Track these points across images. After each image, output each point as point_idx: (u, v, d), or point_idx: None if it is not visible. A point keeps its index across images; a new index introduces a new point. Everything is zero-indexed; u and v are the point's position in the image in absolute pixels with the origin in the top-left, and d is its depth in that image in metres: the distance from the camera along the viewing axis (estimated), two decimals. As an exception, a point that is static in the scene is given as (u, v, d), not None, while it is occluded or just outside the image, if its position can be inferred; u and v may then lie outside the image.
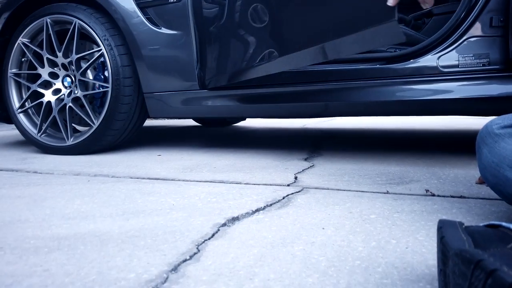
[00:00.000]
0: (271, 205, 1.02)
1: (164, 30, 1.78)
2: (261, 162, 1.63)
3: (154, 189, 1.22)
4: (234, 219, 0.91)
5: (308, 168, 1.50)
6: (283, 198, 1.08)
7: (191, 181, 1.32)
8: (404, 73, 1.56)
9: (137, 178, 1.40)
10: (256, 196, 1.10)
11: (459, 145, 2.09)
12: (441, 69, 1.50)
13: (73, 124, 2.11)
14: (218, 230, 0.84)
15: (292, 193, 1.13)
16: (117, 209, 1.02)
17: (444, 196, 1.08)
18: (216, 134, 2.77)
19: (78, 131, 2.08)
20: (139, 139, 2.51)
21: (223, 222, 0.89)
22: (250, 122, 3.71)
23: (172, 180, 1.35)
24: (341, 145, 2.10)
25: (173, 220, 0.91)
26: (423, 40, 1.63)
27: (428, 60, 1.52)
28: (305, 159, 1.69)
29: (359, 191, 1.15)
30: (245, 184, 1.26)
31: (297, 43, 1.48)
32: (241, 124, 3.60)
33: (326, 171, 1.44)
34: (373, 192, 1.13)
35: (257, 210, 0.97)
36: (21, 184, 1.33)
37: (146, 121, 4.07)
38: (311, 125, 3.32)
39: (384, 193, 1.12)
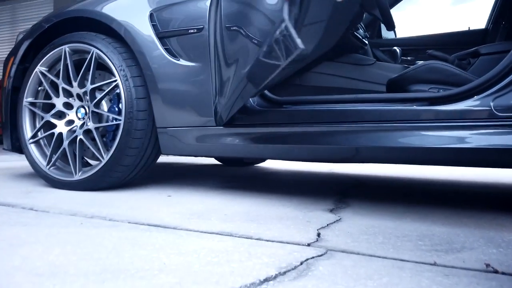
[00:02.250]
0: (284, 273, 0.81)
1: (182, 62, 1.66)
2: (279, 211, 1.42)
3: (149, 240, 1.03)
4: (235, 292, 0.70)
5: (334, 222, 1.28)
6: (301, 263, 0.87)
7: (194, 231, 1.13)
8: (450, 116, 1.35)
9: (136, 223, 1.22)
10: (267, 259, 0.89)
11: None
12: (496, 112, 1.28)
13: (86, 158, 2.00)
14: (210, 309, 0.64)
15: (313, 257, 0.91)
16: (96, 265, 0.83)
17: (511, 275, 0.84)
18: (235, 175, 2.59)
19: (90, 165, 1.95)
20: (152, 175, 2.36)
21: (219, 296, 0.68)
22: (272, 163, 3.52)
23: (173, 228, 1.16)
24: (373, 195, 1.86)
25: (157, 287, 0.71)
26: (472, 80, 1.42)
27: (480, 103, 1.31)
28: (331, 210, 1.47)
29: (399, 259, 0.92)
30: (256, 239, 1.05)
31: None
32: (263, 164, 3.41)
33: (355, 227, 1.22)
34: (417, 263, 0.89)
35: (266, 281, 0.76)
36: (8, 223, 1.18)
37: (165, 157, 3.97)
38: (338, 170, 3.09)
39: (431, 264, 0.89)
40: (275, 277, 0.78)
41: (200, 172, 2.73)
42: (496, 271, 0.85)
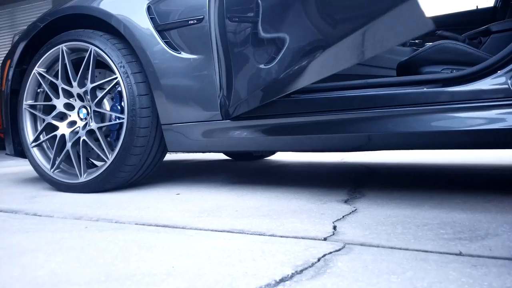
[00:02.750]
0: (301, 271, 0.75)
1: (184, 55, 1.61)
2: (292, 204, 1.37)
3: (157, 241, 0.98)
4: (249, 295, 0.65)
5: (350, 213, 1.23)
6: (318, 260, 0.81)
7: (204, 230, 1.08)
8: (466, 97, 1.28)
9: (143, 224, 1.17)
10: (282, 256, 0.84)
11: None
12: (514, 90, 1.21)
13: (91, 160, 1.96)
14: (224, 315, 0.59)
15: (331, 252, 0.86)
16: (101, 271, 0.79)
17: (544, 262, 0.78)
18: (244, 169, 2.54)
19: (95, 166, 1.91)
20: (160, 174, 2.32)
21: (232, 301, 0.63)
22: (283, 155, 3.46)
23: (182, 228, 1.11)
24: (387, 183, 1.80)
25: (165, 295, 0.66)
26: (486, 59, 1.35)
27: (496, 81, 1.24)
28: (345, 201, 1.41)
29: (421, 250, 0.86)
30: (269, 236, 1.00)
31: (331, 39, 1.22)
32: (273, 157, 3.35)
33: (372, 218, 1.16)
34: (441, 253, 0.84)
35: (282, 281, 0.71)
36: (10, 230, 1.14)
37: (173, 154, 3.93)
38: (350, 159, 3.02)
39: (457, 254, 0.83)
40: (292, 276, 0.73)
41: (209, 169, 2.68)
42: (528, 260, 0.79)
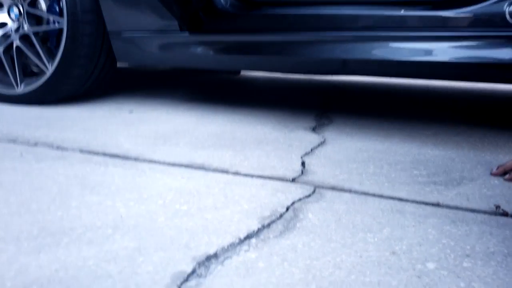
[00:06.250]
0: (269, 225, 0.67)
1: None
2: (257, 132, 1.26)
3: (104, 178, 0.86)
4: (210, 261, 0.57)
5: (319, 145, 1.14)
6: (287, 209, 0.73)
7: (160, 163, 0.97)
8: (456, 23, 1.16)
9: (89, 152, 1.03)
10: (247, 204, 0.75)
11: (508, 117, 1.73)
12: (509, 20, 1.09)
13: (33, 68, 1.71)
14: (179, 292, 0.50)
15: (300, 199, 0.78)
16: (34, 222, 0.67)
17: (522, 216, 0.74)
18: (207, 82, 2.37)
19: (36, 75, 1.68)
20: (112, 84, 2.11)
21: (190, 270, 0.54)
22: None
23: (134, 160, 0.99)
24: (356, 107, 1.72)
25: (107, 262, 0.56)
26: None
27: (492, 8, 1.11)
28: (313, 129, 1.33)
29: (397, 198, 0.80)
30: (233, 174, 0.90)
31: None
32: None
33: (342, 152, 1.09)
34: (418, 203, 0.78)
35: (248, 238, 0.63)
36: None
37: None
38: (318, 76, 2.90)
39: (434, 204, 0.78)
40: (258, 232, 0.65)
41: (167, 80, 2.48)
42: (506, 214, 0.74)
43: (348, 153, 1.08)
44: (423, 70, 1.18)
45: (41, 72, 1.52)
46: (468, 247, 0.62)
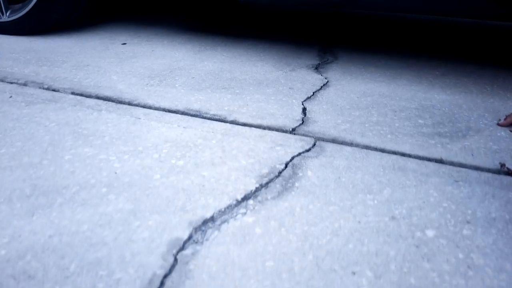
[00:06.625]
0: (267, 185, 0.66)
1: None
2: (257, 70, 1.20)
3: (97, 127, 0.83)
4: (206, 225, 0.56)
5: (321, 88, 1.09)
6: (286, 166, 0.71)
7: (155, 108, 0.93)
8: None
9: (81, 94, 0.99)
10: (245, 159, 0.73)
11: None
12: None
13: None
14: (175, 262, 0.50)
15: (299, 154, 0.75)
16: (26, 178, 0.65)
17: (526, 176, 0.72)
18: (205, 11, 2.23)
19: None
20: (105, 14, 1.98)
21: (186, 236, 0.54)
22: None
23: (128, 104, 0.95)
24: (363, 41, 1.63)
25: (102, 227, 0.55)
26: None
27: None
28: (316, 68, 1.26)
29: (399, 153, 0.77)
30: (230, 123, 0.87)
31: None
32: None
33: (345, 96, 1.04)
34: (420, 159, 0.76)
35: (245, 199, 0.61)
36: None
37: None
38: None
39: (438, 161, 0.75)
40: (256, 192, 0.63)
41: (162, 8, 2.32)
42: (510, 173, 0.73)
43: (352, 98, 1.04)
44: (437, 6, 1.09)
45: (26, -1, 1.42)
46: (469, 211, 0.61)
